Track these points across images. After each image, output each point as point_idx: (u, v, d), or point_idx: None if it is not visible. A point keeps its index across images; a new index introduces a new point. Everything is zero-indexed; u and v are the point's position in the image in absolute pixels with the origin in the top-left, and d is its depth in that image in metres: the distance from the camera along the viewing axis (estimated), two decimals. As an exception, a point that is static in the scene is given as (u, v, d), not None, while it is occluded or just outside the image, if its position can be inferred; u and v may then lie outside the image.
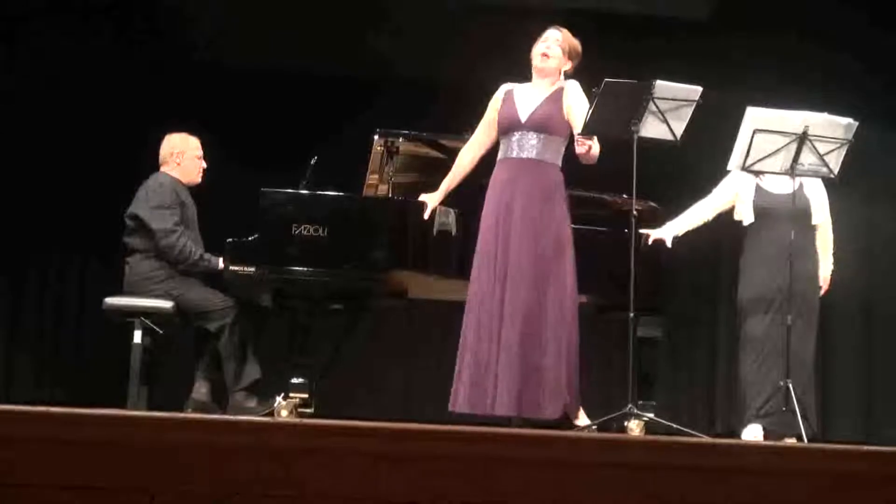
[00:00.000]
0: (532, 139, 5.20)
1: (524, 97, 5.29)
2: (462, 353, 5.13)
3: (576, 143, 5.11)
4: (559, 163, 5.26)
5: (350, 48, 7.86)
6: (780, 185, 5.73)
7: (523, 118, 5.22)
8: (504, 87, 5.37)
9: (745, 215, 5.79)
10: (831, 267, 5.84)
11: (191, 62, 7.96)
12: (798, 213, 5.64)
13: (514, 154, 5.22)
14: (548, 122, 5.20)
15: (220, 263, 5.83)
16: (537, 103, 5.25)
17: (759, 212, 5.76)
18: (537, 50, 5.29)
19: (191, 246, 5.91)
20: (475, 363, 5.06)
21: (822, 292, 5.83)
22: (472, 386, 5.05)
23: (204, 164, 6.19)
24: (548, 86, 5.29)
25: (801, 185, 5.70)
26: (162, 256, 5.92)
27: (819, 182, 5.76)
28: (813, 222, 5.69)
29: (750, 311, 5.73)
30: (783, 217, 5.64)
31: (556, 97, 5.23)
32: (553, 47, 5.27)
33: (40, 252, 7.91)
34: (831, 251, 5.84)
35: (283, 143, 7.58)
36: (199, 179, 6.19)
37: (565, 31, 5.33)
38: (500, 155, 5.29)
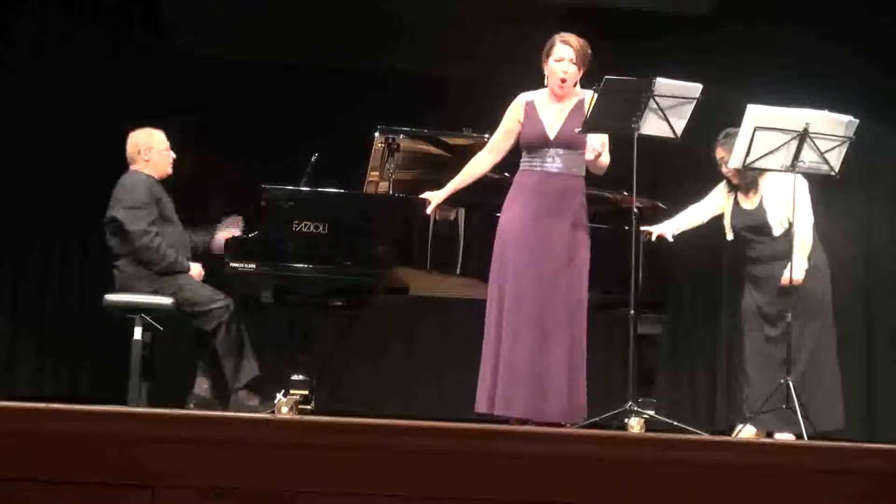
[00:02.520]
0: (559, 155, 5.21)
1: (548, 112, 5.26)
2: (507, 356, 5.08)
3: (586, 150, 5.13)
4: (582, 173, 5.28)
5: (349, 42, 7.87)
6: (747, 202, 5.95)
7: (552, 135, 5.21)
8: (524, 98, 5.31)
9: (727, 232, 6.05)
10: (798, 270, 5.71)
11: (191, 55, 7.96)
12: (758, 228, 5.85)
13: (540, 168, 5.23)
14: (575, 139, 5.19)
15: (193, 269, 5.88)
16: (563, 119, 5.24)
17: (735, 230, 6.00)
18: (554, 71, 5.23)
19: (165, 248, 5.90)
20: (531, 366, 5.04)
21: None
22: (527, 390, 5.04)
23: (173, 155, 6.16)
24: (569, 98, 5.29)
25: (761, 199, 5.79)
26: (137, 257, 5.91)
27: (789, 187, 5.65)
28: (775, 234, 5.74)
29: (747, 315, 5.93)
30: (752, 232, 5.90)
31: (579, 110, 5.21)
32: (571, 67, 5.22)
33: (40, 247, 7.91)
34: (800, 254, 5.72)
35: (281, 138, 7.59)
36: (171, 171, 6.16)
37: (572, 39, 5.24)
38: (525, 166, 5.28)
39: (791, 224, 5.67)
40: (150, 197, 5.96)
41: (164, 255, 5.89)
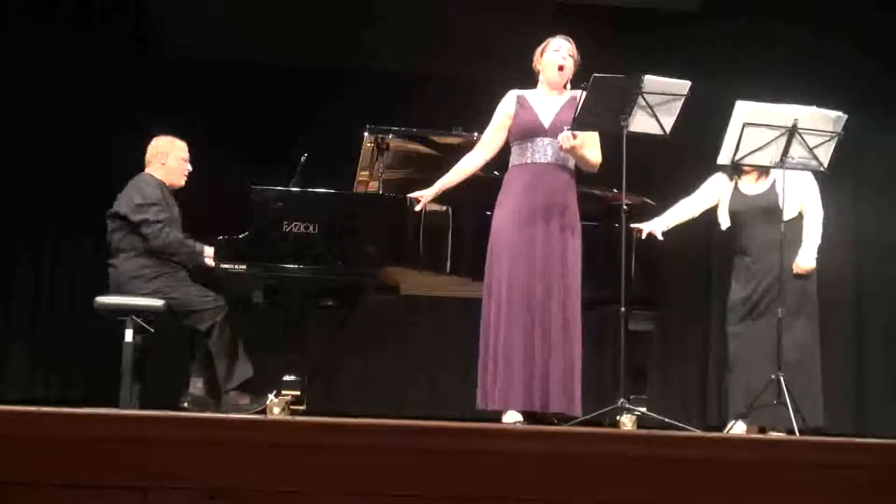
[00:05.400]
0: (552, 145, 5.23)
1: (541, 104, 5.31)
2: (503, 351, 5.09)
3: (560, 138, 5.14)
4: (573, 165, 5.31)
5: (334, 40, 7.86)
6: (754, 187, 5.87)
7: (546, 124, 5.25)
8: (514, 93, 5.35)
9: (722, 220, 5.99)
10: (809, 257, 5.79)
11: (182, 57, 7.96)
12: (768, 210, 5.77)
13: (536, 159, 5.25)
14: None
15: (206, 251, 5.83)
16: (556, 110, 5.29)
17: (735, 216, 5.93)
18: (552, 60, 5.30)
19: (175, 235, 5.89)
20: (526, 361, 5.07)
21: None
22: (524, 385, 5.06)
23: (189, 168, 6.18)
24: (560, 94, 5.34)
25: (773, 183, 5.78)
26: (149, 249, 5.89)
27: (803, 176, 5.78)
28: (785, 218, 5.66)
29: (733, 309, 5.92)
30: (756, 217, 5.83)
31: (571, 105, 5.24)
32: (567, 59, 5.31)
33: (31, 249, 7.90)
34: (812, 242, 5.81)
35: (269, 137, 7.59)
36: (183, 183, 6.18)
37: (567, 38, 5.34)
38: (516, 160, 5.30)
39: (801, 212, 5.78)
40: (160, 196, 5.98)
41: (173, 241, 5.89)
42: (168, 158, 6.13)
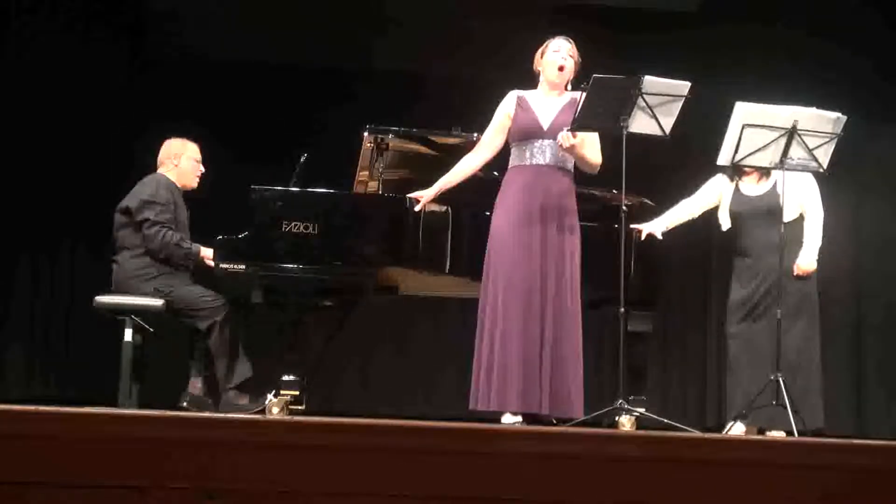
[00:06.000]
0: (551, 146, 5.23)
1: (541, 105, 5.31)
2: (500, 352, 5.09)
3: (559, 137, 5.14)
4: (572, 167, 5.32)
5: (335, 40, 7.87)
6: (755, 188, 5.87)
7: (545, 125, 5.25)
8: (514, 94, 5.35)
9: (723, 221, 5.98)
10: (810, 258, 5.79)
11: (181, 57, 7.97)
12: (769, 212, 5.77)
13: (535, 160, 5.25)
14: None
15: (202, 251, 5.84)
16: (556, 111, 5.28)
17: (735, 217, 5.93)
18: (552, 61, 5.30)
19: (171, 236, 5.89)
20: (523, 362, 5.06)
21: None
22: (521, 386, 5.06)
23: (202, 169, 6.19)
24: (560, 95, 5.34)
25: (774, 184, 5.78)
26: (147, 248, 5.90)
27: (804, 178, 5.79)
28: (785, 219, 5.67)
29: (733, 310, 5.91)
30: (757, 218, 5.83)
31: (571, 106, 5.23)
32: (568, 59, 5.31)
33: (30, 250, 7.90)
34: (813, 244, 5.81)
35: (269, 137, 7.59)
36: (196, 184, 6.19)
37: (568, 40, 5.34)
38: (515, 161, 5.30)
39: (802, 213, 5.78)
40: (168, 197, 5.98)
41: (169, 241, 5.89)
42: (181, 160, 6.14)
